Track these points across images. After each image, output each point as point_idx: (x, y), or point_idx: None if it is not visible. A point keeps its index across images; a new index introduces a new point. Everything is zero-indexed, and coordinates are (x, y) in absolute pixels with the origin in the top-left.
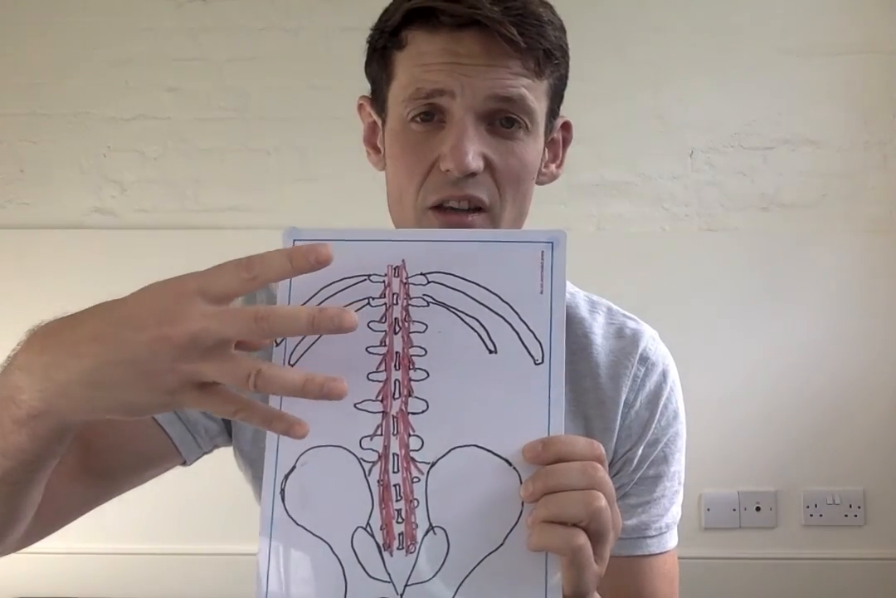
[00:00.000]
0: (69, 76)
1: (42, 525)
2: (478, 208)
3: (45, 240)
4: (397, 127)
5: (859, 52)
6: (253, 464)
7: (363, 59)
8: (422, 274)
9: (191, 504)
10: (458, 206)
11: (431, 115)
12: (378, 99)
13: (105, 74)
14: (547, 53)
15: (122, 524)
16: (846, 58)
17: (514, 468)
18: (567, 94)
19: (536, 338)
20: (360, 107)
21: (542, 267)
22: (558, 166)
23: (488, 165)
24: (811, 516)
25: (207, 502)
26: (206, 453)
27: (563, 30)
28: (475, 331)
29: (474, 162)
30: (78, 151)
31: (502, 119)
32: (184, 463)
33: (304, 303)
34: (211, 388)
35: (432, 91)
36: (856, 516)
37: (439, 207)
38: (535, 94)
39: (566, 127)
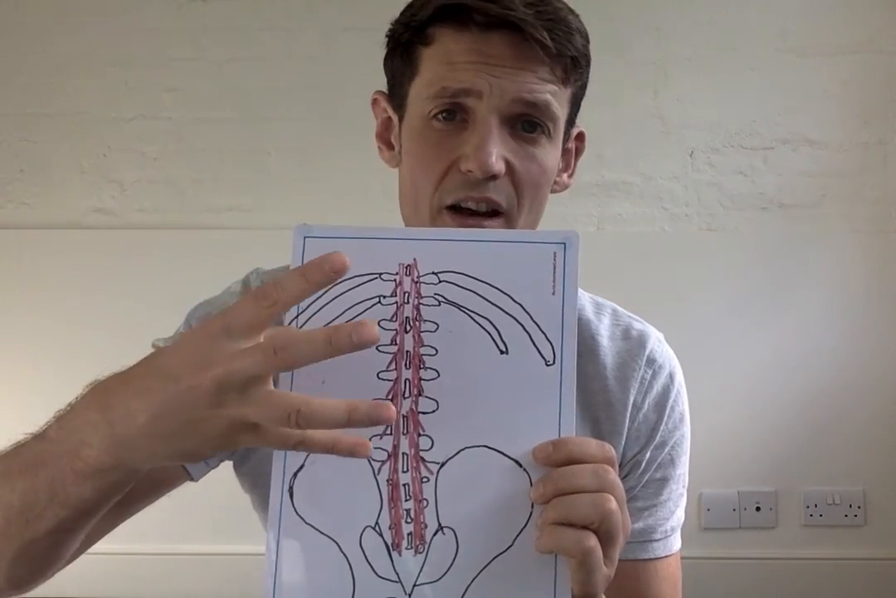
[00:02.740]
0: (69, 76)
1: (68, 558)
2: (494, 212)
3: (45, 240)
4: (417, 124)
5: (859, 52)
6: (251, 472)
7: (364, 58)
8: (433, 273)
9: (190, 504)
10: (476, 208)
11: (454, 114)
12: (397, 94)
13: (105, 74)
14: (574, 61)
15: (122, 524)
16: (846, 58)
17: (525, 470)
18: None
19: (548, 339)
20: (375, 102)
21: (555, 268)
22: (570, 176)
23: (509, 169)
24: (811, 516)
25: (207, 502)
26: (212, 468)
27: (587, 39)
28: (486, 331)
29: (497, 164)
30: (78, 151)
31: (525, 123)
32: (192, 479)
33: (314, 300)
34: (263, 426)
35: (458, 90)
36: (856, 516)
37: (455, 208)
38: (559, 101)
39: (580, 137)
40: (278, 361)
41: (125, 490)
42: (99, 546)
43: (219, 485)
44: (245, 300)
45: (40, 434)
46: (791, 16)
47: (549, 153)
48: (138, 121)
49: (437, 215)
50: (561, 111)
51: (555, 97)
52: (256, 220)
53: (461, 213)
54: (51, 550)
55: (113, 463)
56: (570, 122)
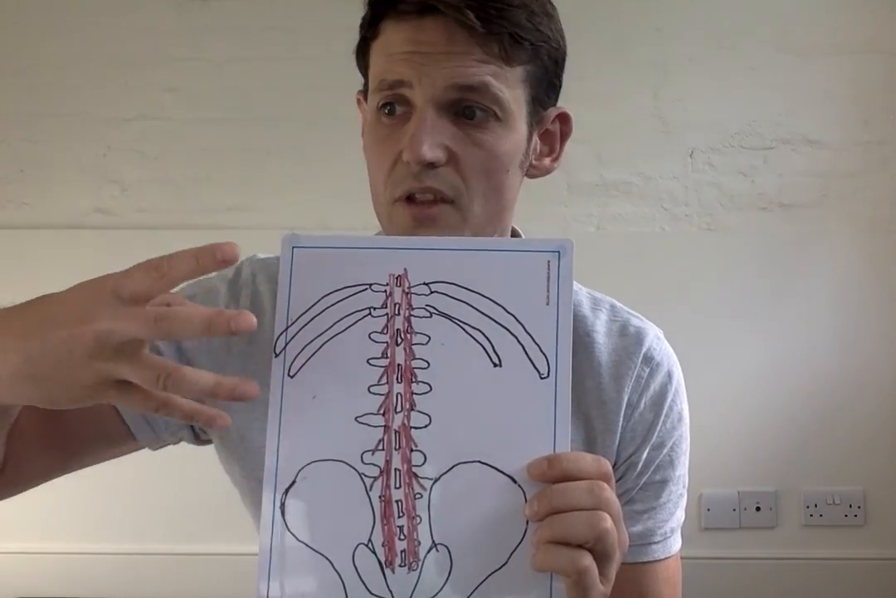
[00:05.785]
0: (69, 76)
1: (6, 487)
2: (443, 200)
3: (45, 240)
4: (372, 119)
5: (859, 52)
6: (239, 460)
7: None
8: (424, 284)
9: (189, 504)
10: (423, 197)
11: (396, 106)
12: (364, 92)
13: (105, 74)
14: (514, 38)
15: (122, 524)
16: (846, 58)
17: (519, 486)
18: (567, 94)
19: (542, 351)
20: (359, 102)
21: (549, 277)
22: (554, 160)
23: (452, 156)
24: (811, 516)
25: (206, 502)
26: (170, 443)
27: (545, 15)
28: (479, 343)
29: (430, 152)
30: (78, 151)
31: (465, 109)
32: (149, 447)
33: (304, 312)
34: (130, 385)
35: (393, 82)
36: (856, 516)
37: (406, 199)
38: (502, 82)
39: (564, 119)
40: (156, 329)
41: (7, 423)
42: (97, 546)
43: (218, 485)
44: (138, 267)
45: None
46: (791, 16)
47: (502, 137)
48: (138, 121)
49: (392, 208)
50: (508, 92)
51: (496, 78)
52: (256, 220)
53: (410, 204)
54: None
55: None
56: (538, 102)
